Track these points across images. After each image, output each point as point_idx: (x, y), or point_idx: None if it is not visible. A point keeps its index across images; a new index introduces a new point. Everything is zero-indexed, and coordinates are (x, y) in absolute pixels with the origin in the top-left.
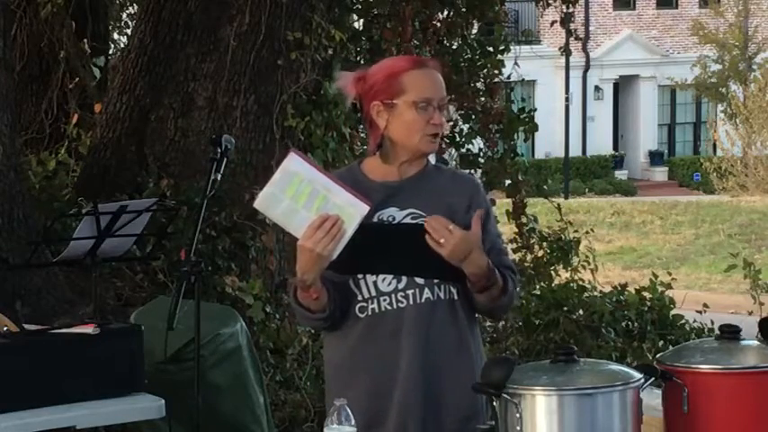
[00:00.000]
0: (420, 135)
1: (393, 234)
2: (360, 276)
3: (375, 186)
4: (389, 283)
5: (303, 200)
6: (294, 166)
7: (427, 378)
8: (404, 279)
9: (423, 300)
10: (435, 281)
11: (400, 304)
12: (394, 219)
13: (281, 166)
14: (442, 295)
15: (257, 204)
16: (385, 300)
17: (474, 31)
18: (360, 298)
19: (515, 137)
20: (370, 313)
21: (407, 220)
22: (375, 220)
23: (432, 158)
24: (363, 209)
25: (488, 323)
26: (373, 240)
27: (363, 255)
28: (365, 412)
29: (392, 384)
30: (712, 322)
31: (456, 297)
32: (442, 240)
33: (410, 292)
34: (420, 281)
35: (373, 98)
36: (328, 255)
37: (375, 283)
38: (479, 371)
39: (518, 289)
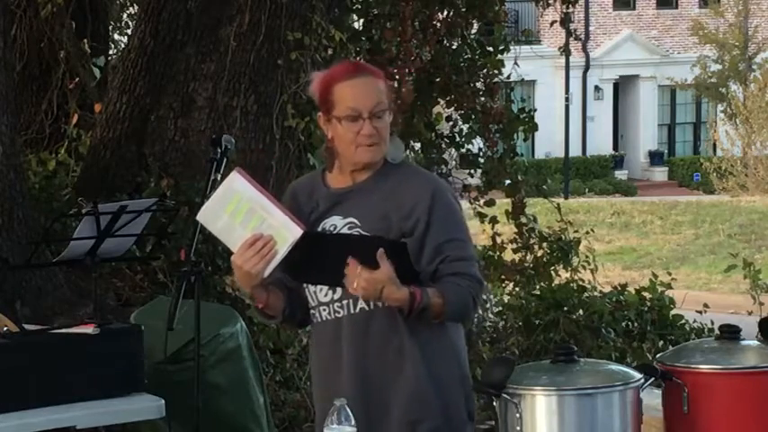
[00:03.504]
0: (353, 147)
1: (324, 245)
2: (304, 285)
3: (325, 194)
4: (326, 294)
5: (240, 218)
6: (236, 185)
7: (368, 386)
8: (338, 290)
9: (357, 310)
10: None
11: (337, 314)
12: (335, 227)
13: (224, 182)
14: (379, 303)
15: (199, 217)
16: (324, 309)
17: (474, 30)
18: (310, 305)
19: (515, 137)
20: (316, 321)
21: (345, 230)
22: (319, 229)
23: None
24: (297, 232)
25: (488, 323)
26: (309, 250)
27: (302, 264)
28: (320, 414)
29: (338, 390)
30: (712, 322)
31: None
32: (354, 285)
33: (345, 302)
34: None
35: (319, 109)
36: (257, 273)
37: (315, 292)
38: (444, 372)
39: (478, 294)
